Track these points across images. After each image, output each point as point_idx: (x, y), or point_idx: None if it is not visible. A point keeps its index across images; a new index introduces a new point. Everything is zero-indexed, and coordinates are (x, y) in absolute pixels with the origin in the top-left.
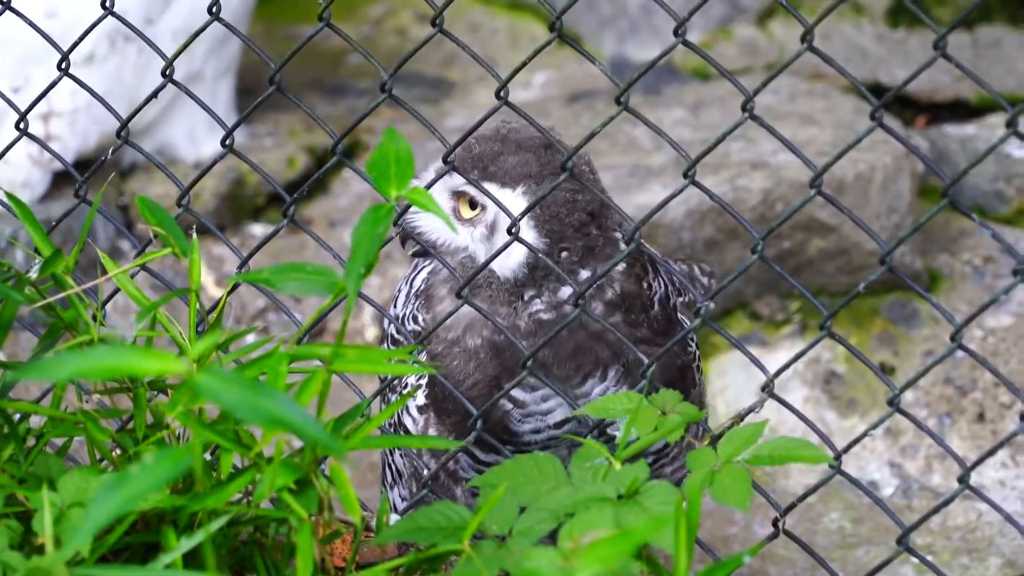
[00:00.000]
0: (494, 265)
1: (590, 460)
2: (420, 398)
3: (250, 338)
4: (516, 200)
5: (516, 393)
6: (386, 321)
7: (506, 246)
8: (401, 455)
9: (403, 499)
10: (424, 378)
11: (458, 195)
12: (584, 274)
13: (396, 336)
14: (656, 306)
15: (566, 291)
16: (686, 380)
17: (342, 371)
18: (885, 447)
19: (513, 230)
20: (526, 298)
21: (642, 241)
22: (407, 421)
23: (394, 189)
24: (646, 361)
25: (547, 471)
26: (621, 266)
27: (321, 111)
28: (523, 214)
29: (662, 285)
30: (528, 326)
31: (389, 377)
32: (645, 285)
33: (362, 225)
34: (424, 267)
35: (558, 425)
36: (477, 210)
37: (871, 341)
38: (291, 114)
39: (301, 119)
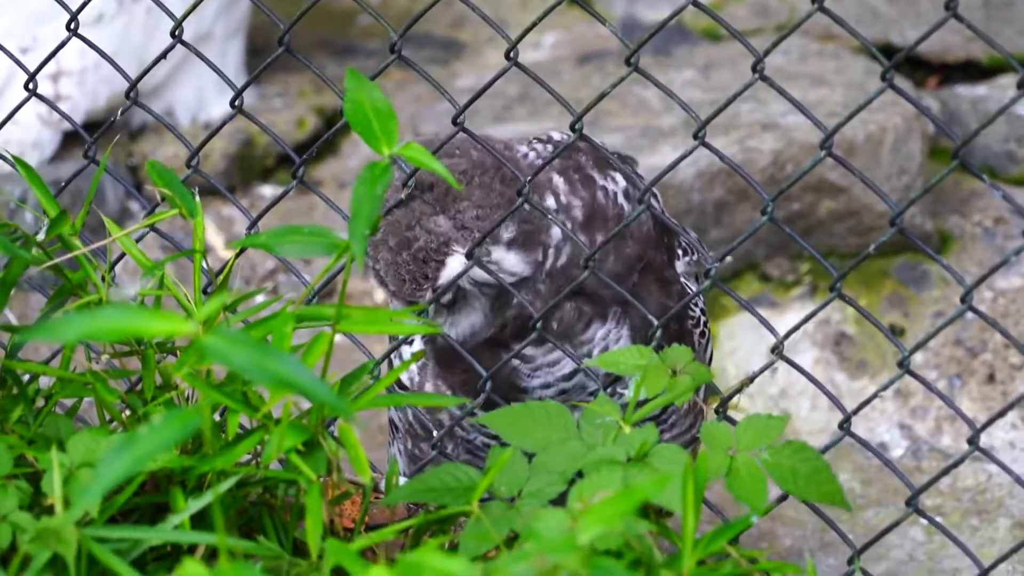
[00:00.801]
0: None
1: (600, 417)
2: (418, 343)
3: (259, 299)
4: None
5: (524, 350)
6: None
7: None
8: (396, 409)
9: (400, 452)
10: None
11: None
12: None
13: None
14: (625, 207)
15: (556, 233)
16: (683, 339)
17: (347, 332)
18: (895, 408)
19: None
20: (539, 259)
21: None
22: (403, 376)
23: (386, 146)
24: (651, 317)
25: (557, 420)
26: (560, 181)
27: (330, 72)
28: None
29: (619, 181)
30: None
31: (398, 337)
32: (601, 194)
33: (360, 185)
34: None
35: (567, 377)
36: None
37: (881, 302)
38: (300, 75)
39: (310, 80)
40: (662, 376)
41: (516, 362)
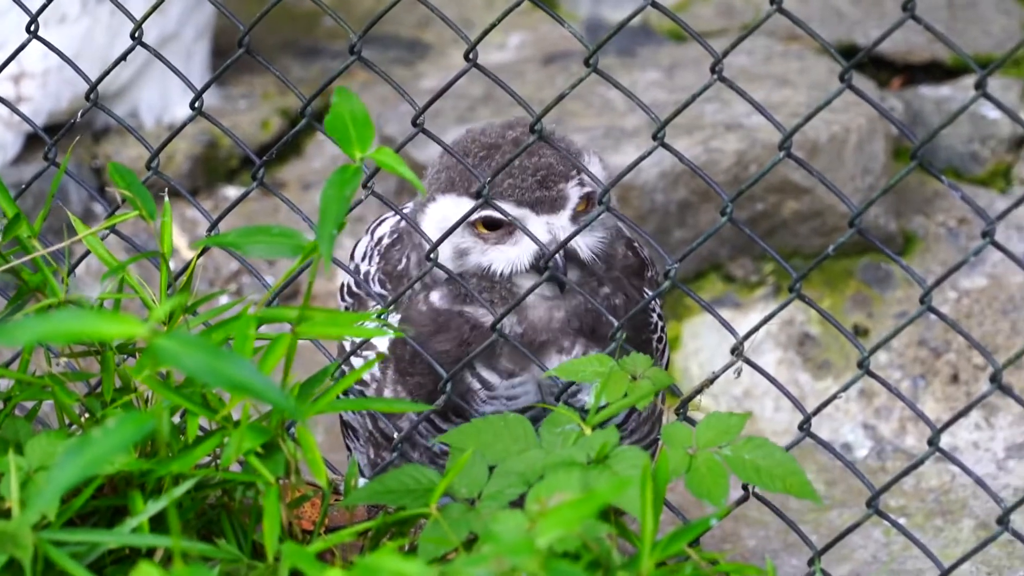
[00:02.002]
0: (505, 267)
1: (560, 426)
2: (381, 345)
3: (223, 300)
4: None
5: (488, 376)
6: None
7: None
8: (356, 414)
9: (363, 461)
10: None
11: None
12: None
13: (354, 289)
14: (615, 268)
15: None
16: (641, 348)
17: (309, 334)
18: (859, 409)
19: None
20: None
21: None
22: (365, 376)
23: (358, 150)
24: (615, 322)
25: (517, 431)
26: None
27: (295, 73)
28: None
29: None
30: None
31: (356, 340)
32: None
33: (330, 187)
34: (387, 218)
35: (521, 412)
36: (501, 228)
37: (845, 303)
38: (265, 76)
39: (275, 81)
40: (622, 382)
41: (477, 385)
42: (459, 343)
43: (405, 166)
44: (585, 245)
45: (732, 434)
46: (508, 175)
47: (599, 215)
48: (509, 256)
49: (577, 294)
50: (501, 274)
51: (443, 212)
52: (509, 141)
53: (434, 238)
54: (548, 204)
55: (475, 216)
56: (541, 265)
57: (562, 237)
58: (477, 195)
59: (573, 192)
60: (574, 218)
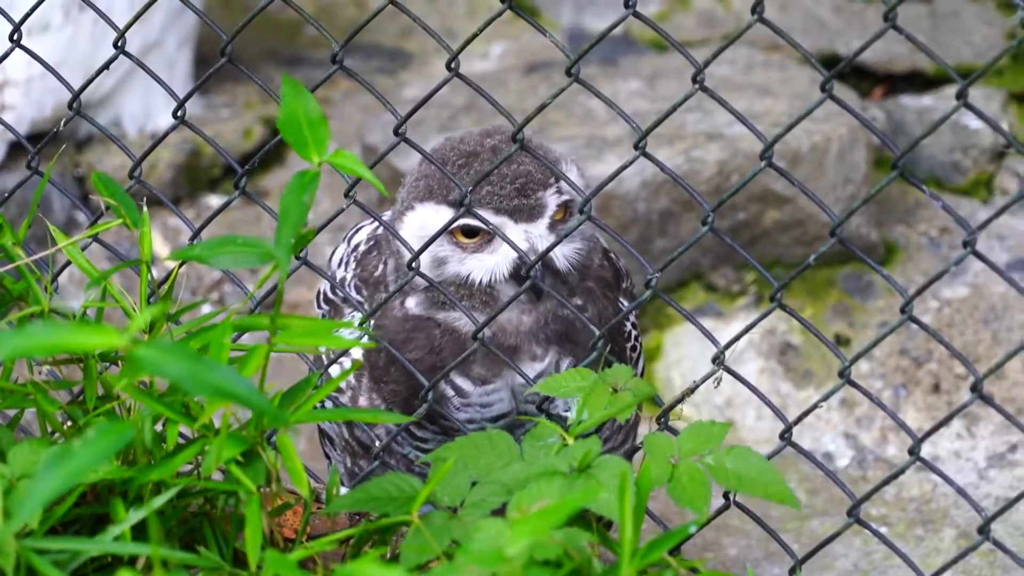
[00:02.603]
0: (484, 276)
1: (543, 439)
2: (357, 353)
3: (205, 309)
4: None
5: (462, 383)
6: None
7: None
8: (330, 422)
9: (339, 462)
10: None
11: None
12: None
13: (330, 295)
14: (589, 278)
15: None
16: (622, 359)
17: (286, 343)
18: (840, 418)
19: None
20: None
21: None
22: (340, 384)
23: (315, 155)
24: (596, 331)
25: (500, 447)
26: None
27: (277, 82)
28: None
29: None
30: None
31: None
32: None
33: (289, 194)
34: (364, 225)
35: (495, 419)
36: (479, 236)
37: (827, 312)
38: (248, 85)
39: (258, 90)
40: (603, 394)
41: (450, 392)
42: (430, 349)
43: (364, 167)
44: (562, 254)
45: (714, 443)
46: (487, 183)
47: (580, 224)
48: (487, 264)
49: (547, 300)
50: (480, 282)
51: (421, 220)
52: (488, 149)
53: (413, 246)
54: (526, 212)
55: (453, 224)
56: (522, 274)
57: (540, 245)
58: (455, 203)
59: (551, 200)
60: (551, 226)
